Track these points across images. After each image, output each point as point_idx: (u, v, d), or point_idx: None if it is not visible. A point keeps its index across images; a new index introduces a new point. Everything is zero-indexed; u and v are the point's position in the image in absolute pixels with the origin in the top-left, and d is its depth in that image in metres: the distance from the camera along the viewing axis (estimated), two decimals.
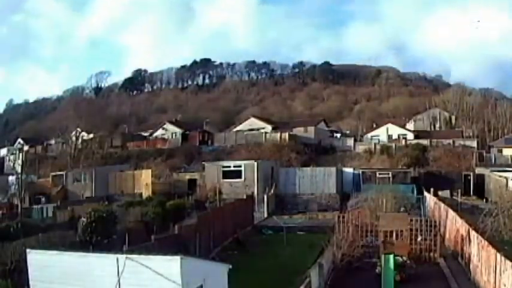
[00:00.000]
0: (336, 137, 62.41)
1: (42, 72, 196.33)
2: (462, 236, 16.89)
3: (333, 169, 35.57)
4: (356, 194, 32.62)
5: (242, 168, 34.28)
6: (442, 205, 23.16)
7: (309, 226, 25.89)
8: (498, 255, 11.35)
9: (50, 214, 27.93)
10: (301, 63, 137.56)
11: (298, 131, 55.65)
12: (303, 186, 33.86)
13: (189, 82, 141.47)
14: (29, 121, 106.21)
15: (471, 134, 62.51)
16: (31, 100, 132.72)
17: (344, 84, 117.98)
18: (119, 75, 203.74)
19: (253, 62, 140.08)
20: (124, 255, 9.12)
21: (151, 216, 22.23)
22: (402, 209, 24.89)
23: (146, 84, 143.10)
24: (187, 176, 39.14)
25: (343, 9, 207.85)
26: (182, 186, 37.13)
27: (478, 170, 39.59)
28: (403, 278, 14.53)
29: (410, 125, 70.82)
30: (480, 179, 37.22)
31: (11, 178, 39.62)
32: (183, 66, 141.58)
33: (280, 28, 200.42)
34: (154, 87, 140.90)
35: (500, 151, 53.11)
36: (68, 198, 38.30)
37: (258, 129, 59.96)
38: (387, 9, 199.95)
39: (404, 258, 15.28)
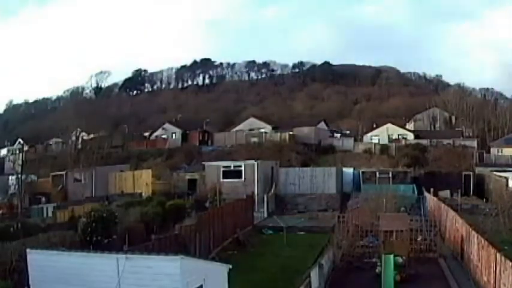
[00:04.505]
0: (336, 137, 62.44)
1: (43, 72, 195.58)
2: (462, 236, 16.90)
3: (333, 169, 35.54)
4: (356, 194, 32.66)
5: (242, 168, 34.23)
6: (442, 205, 23.17)
7: (309, 226, 25.91)
8: (498, 255, 11.36)
9: (50, 214, 27.85)
10: (301, 63, 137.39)
11: (298, 131, 55.64)
12: (303, 186, 33.83)
13: (189, 82, 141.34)
14: (29, 121, 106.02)
15: (471, 134, 62.56)
16: (31, 100, 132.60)
17: (344, 84, 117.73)
18: (119, 75, 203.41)
19: (253, 62, 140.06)
20: (124, 255, 9.13)
21: (151, 216, 22.21)
22: (402, 209, 24.94)
23: (146, 84, 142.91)
24: (187, 176, 39.06)
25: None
26: (182, 186, 37.08)
27: (478, 170, 39.58)
28: (403, 278, 14.54)
29: (410, 125, 70.86)
30: (480, 179, 37.21)
31: (11, 178, 39.59)
32: (183, 66, 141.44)
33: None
34: (154, 87, 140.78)
35: (501, 151, 53.16)
36: (68, 198, 38.23)
37: (258, 129, 59.94)
38: None
39: (404, 258, 15.28)
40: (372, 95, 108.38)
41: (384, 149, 51.58)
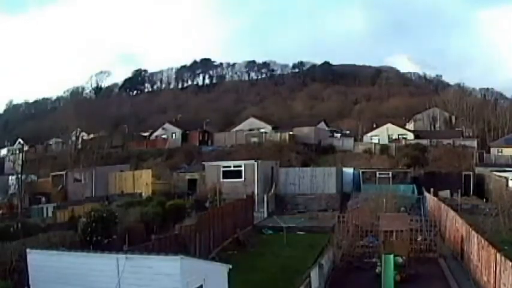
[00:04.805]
0: (336, 137, 62.44)
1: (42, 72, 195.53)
2: (462, 236, 16.90)
3: (333, 169, 35.54)
4: (356, 194, 32.66)
5: (242, 168, 34.23)
6: (442, 205, 23.17)
7: (309, 226, 25.88)
8: (498, 255, 11.36)
9: (50, 214, 27.85)
10: (301, 63, 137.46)
11: (298, 131, 55.63)
12: (303, 186, 33.83)
13: (189, 82, 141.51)
14: (29, 121, 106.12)
15: (471, 134, 62.55)
16: (31, 100, 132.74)
17: (344, 84, 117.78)
18: (119, 75, 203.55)
19: (253, 62, 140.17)
20: (124, 255, 9.13)
21: (151, 216, 22.20)
22: (402, 209, 24.94)
23: (146, 84, 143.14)
24: (187, 176, 39.07)
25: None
26: (182, 186, 37.08)
27: (478, 170, 39.57)
28: (403, 278, 14.54)
29: (410, 125, 70.84)
30: (480, 179, 37.20)
31: (11, 178, 39.58)
32: (183, 66, 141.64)
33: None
34: (154, 87, 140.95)
35: (501, 151, 53.17)
36: (68, 198, 38.24)
37: (258, 129, 59.94)
38: None
39: (404, 258, 15.28)
40: (372, 95, 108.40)
41: (384, 149, 51.57)
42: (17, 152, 53.30)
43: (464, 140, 55.38)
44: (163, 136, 64.63)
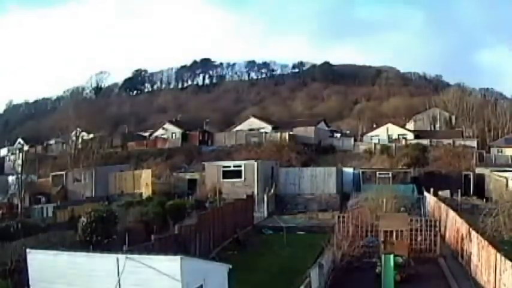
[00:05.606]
0: (336, 137, 62.43)
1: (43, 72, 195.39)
2: (462, 235, 16.91)
3: (333, 169, 35.55)
4: (356, 194, 32.63)
5: (242, 168, 34.26)
6: (442, 205, 23.17)
7: (309, 226, 25.91)
8: (498, 255, 11.37)
9: (50, 214, 27.86)
10: (301, 63, 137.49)
11: (298, 131, 55.64)
12: (303, 186, 33.84)
13: (189, 82, 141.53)
14: (29, 121, 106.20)
15: (471, 134, 62.50)
16: (31, 100, 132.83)
17: (344, 84, 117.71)
18: (119, 75, 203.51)
19: (253, 62, 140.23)
20: (124, 255, 9.12)
21: (151, 216, 22.21)
22: (402, 209, 24.89)
23: (146, 84, 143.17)
24: (187, 176, 39.12)
25: None
26: (182, 186, 37.11)
27: (478, 170, 39.56)
28: (403, 278, 14.53)
29: (410, 125, 70.80)
30: (480, 179, 37.20)
31: (11, 178, 39.61)
32: (183, 66, 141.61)
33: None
34: (154, 87, 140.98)
35: (501, 151, 53.18)
36: (68, 198, 38.26)
37: (258, 129, 59.95)
38: None
39: (404, 258, 15.27)
40: (372, 95, 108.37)
41: (384, 149, 51.53)
42: (17, 152, 53.38)
43: (464, 140, 55.35)
44: (164, 136, 64.62)
